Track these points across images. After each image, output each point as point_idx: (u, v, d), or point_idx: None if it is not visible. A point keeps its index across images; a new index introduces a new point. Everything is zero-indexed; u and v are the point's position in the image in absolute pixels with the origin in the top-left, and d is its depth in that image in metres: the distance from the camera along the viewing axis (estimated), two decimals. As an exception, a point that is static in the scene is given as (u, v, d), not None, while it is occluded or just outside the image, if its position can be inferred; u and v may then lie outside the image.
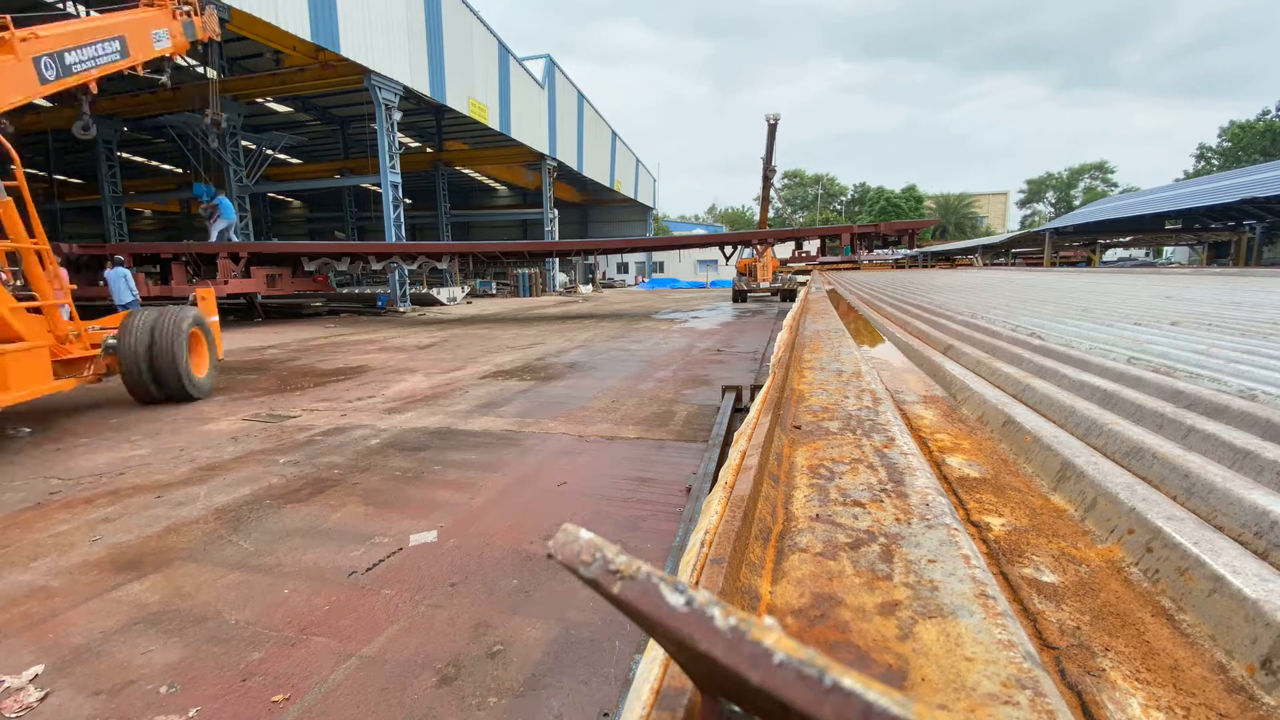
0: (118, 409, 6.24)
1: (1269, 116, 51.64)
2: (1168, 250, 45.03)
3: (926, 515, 1.03)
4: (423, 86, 21.74)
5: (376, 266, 18.68)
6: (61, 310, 5.81)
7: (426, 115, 27.95)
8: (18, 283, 6.22)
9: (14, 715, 1.90)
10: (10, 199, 5.36)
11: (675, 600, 0.35)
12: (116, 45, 7.51)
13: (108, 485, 3.99)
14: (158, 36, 8.37)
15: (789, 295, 18.77)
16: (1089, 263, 38.10)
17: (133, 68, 8.01)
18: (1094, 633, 0.84)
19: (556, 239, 33.29)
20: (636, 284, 46.52)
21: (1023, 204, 77.30)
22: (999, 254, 44.70)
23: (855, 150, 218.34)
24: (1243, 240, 30.59)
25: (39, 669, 2.12)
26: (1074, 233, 37.73)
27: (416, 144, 33.19)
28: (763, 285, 20.28)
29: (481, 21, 25.28)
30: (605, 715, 1.87)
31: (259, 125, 27.00)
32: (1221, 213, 28.12)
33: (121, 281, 11.78)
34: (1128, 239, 39.15)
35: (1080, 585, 0.97)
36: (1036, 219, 71.46)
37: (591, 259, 37.83)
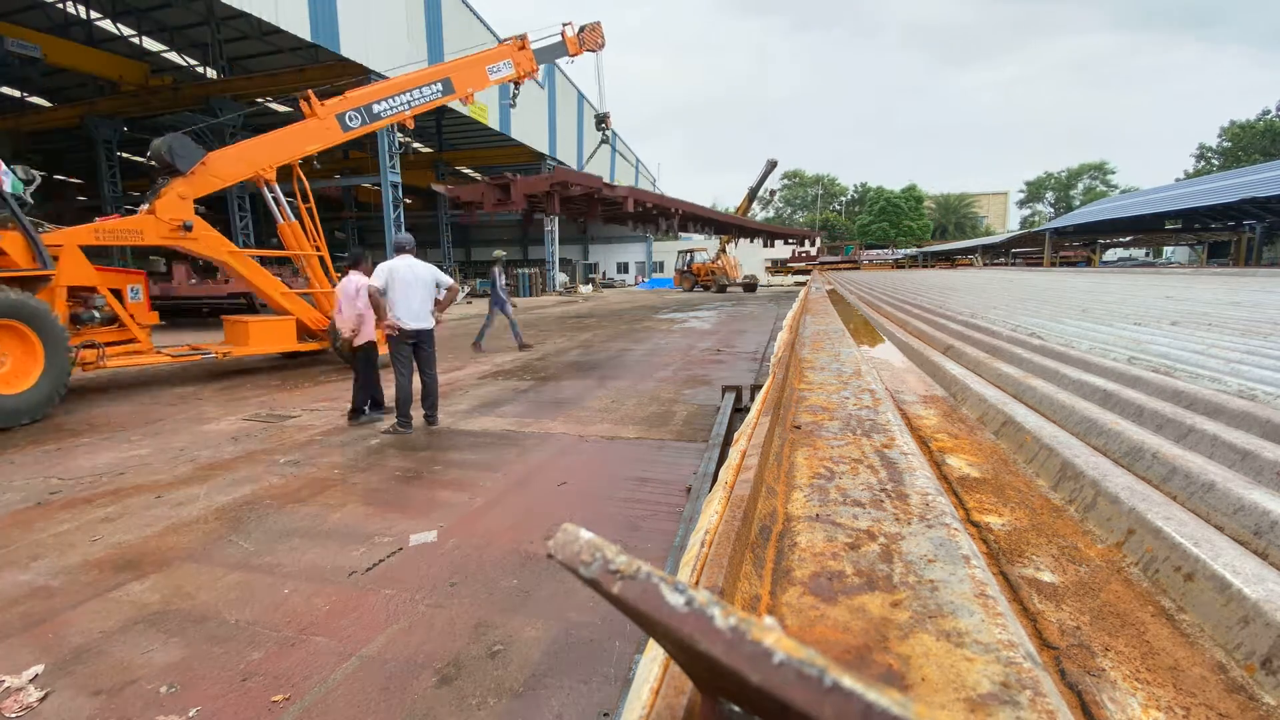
0: (118, 408, 6.23)
1: (1269, 116, 51.61)
2: (1168, 250, 45.06)
3: (926, 515, 1.03)
4: (423, 86, 21.75)
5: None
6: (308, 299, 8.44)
7: (426, 115, 27.93)
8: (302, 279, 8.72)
9: (14, 715, 1.90)
10: (295, 222, 8.03)
11: (675, 600, 0.35)
12: (439, 86, 9.18)
13: (108, 485, 3.99)
14: (495, 69, 9.92)
15: (750, 288, 31.19)
16: (1089, 263, 38.14)
17: (462, 99, 9.92)
18: (1094, 633, 0.84)
19: (557, 239, 33.34)
20: (636, 284, 46.45)
21: (1023, 204, 77.37)
22: (999, 254, 44.76)
23: (1000, 140, 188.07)
24: (1242, 240, 30.63)
25: (39, 669, 2.12)
26: (1074, 233, 37.76)
27: (416, 143, 33.18)
28: (736, 280, 31.14)
29: (481, 21, 25.30)
30: (605, 715, 1.86)
31: (259, 125, 26.99)
32: (1221, 213, 28.14)
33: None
34: (1128, 239, 39.20)
35: (1080, 585, 0.97)
36: (1036, 219, 71.44)
37: (594, 264, 37.87)
